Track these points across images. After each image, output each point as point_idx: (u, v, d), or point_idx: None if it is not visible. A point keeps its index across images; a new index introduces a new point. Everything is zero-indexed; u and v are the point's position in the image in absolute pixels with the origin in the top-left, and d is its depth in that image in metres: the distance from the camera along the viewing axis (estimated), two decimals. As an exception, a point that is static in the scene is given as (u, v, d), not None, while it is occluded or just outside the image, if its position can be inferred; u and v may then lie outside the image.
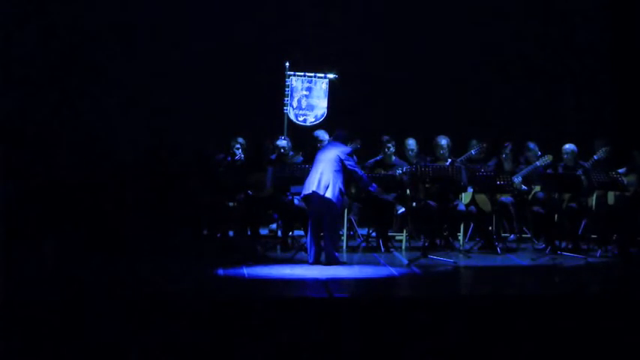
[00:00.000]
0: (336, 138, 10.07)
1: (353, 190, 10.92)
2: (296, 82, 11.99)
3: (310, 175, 9.86)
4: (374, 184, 10.20)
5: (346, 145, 9.96)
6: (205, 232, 11.30)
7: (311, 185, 9.74)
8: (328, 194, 9.68)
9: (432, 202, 10.93)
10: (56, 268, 9.27)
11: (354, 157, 10.17)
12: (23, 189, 10.58)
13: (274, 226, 11.62)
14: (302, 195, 9.93)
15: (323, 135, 11.05)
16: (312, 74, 12.03)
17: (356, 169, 9.95)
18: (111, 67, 13.06)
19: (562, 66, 13.72)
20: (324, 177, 9.72)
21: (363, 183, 10.13)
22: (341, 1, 13.63)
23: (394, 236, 11.47)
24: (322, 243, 9.84)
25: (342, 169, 9.80)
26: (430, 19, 13.70)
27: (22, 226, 10.21)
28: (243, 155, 11.11)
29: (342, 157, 9.80)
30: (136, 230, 10.89)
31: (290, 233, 11.10)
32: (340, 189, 9.76)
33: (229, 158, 11.04)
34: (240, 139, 11.32)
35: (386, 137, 11.31)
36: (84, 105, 12.93)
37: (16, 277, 8.50)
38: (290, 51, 12.35)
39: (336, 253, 9.87)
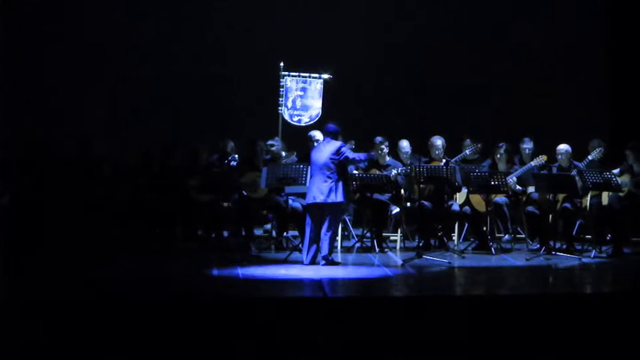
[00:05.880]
0: (326, 133, 10.08)
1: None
2: (290, 82, 11.98)
3: (310, 182, 9.90)
4: (372, 152, 10.35)
5: (336, 139, 9.96)
6: (200, 233, 11.30)
7: (314, 195, 9.80)
8: (338, 198, 9.76)
9: (426, 203, 10.93)
10: (54, 268, 9.27)
11: (346, 146, 10.11)
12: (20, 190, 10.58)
13: (269, 226, 11.61)
14: (306, 203, 9.99)
15: (317, 135, 11.04)
16: (307, 74, 12.02)
17: (353, 156, 9.95)
18: (107, 67, 13.07)
19: (556, 66, 13.73)
20: (325, 184, 9.75)
21: (365, 160, 10.35)
22: (336, 1, 13.64)
23: (389, 237, 11.47)
24: (321, 244, 9.84)
25: (339, 165, 9.81)
26: (425, 19, 13.72)
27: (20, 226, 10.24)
28: (237, 157, 11.14)
29: (334, 157, 9.80)
30: (130, 230, 10.90)
31: (284, 234, 11.09)
32: (342, 185, 9.82)
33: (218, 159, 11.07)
34: (231, 145, 11.32)
35: (379, 138, 11.30)
36: (80, 105, 12.95)
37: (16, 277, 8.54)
38: (284, 51, 12.35)
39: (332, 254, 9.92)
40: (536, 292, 8.68)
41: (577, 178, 10.46)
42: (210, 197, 10.77)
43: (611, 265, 10.17)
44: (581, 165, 10.90)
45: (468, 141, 11.80)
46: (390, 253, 10.79)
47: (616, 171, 10.61)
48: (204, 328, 7.12)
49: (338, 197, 9.77)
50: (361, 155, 10.17)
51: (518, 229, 11.55)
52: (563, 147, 11.12)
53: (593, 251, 10.51)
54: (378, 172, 11.04)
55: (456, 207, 11.09)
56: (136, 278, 8.94)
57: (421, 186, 10.69)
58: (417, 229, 11.19)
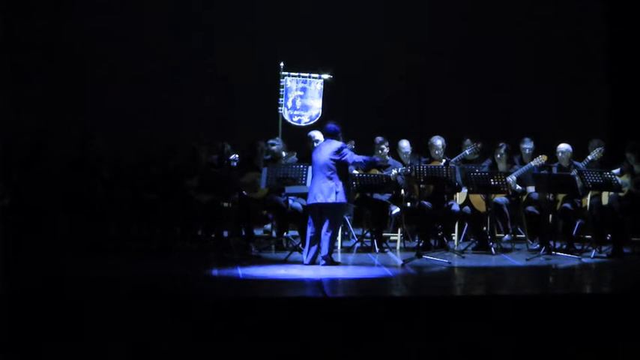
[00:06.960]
0: (326, 133, 10.08)
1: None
2: (290, 82, 11.98)
3: (312, 183, 9.90)
4: (374, 157, 10.30)
5: (336, 139, 9.95)
6: (200, 233, 11.30)
7: (315, 195, 9.79)
8: (339, 199, 9.75)
9: (426, 203, 10.92)
10: (54, 268, 9.26)
11: (347, 147, 10.09)
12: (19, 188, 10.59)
13: (269, 226, 11.61)
14: (307, 203, 9.98)
15: (317, 135, 11.04)
16: (307, 74, 12.02)
17: (354, 158, 9.92)
18: (105, 67, 13.07)
19: (556, 66, 13.73)
20: (325, 184, 9.74)
21: (367, 164, 10.19)
22: (336, 1, 13.64)
23: (389, 237, 11.48)
24: (321, 244, 9.82)
25: (340, 166, 9.80)
26: (424, 19, 13.72)
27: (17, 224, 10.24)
28: (237, 157, 11.15)
29: (335, 157, 9.79)
30: (131, 230, 10.89)
31: (284, 234, 11.08)
32: (343, 185, 9.79)
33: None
34: (228, 146, 11.32)
35: (380, 138, 11.30)
36: (80, 105, 12.95)
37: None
38: (284, 51, 12.35)
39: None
40: (536, 292, 8.68)
41: (577, 178, 10.46)
42: (210, 197, 10.77)
43: (611, 265, 10.17)
44: (581, 165, 10.91)
45: (468, 141, 11.81)
46: (390, 253, 10.79)
47: (616, 171, 10.62)
48: (204, 328, 7.12)
49: (339, 198, 9.76)
50: (365, 158, 10.12)
51: (518, 229, 11.56)
52: (563, 147, 11.13)
53: (593, 251, 10.51)
54: (378, 172, 11.04)
55: (456, 207, 11.09)
56: (136, 278, 8.93)
57: (421, 186, 10.68)
58: (417, 229, 11.20)
